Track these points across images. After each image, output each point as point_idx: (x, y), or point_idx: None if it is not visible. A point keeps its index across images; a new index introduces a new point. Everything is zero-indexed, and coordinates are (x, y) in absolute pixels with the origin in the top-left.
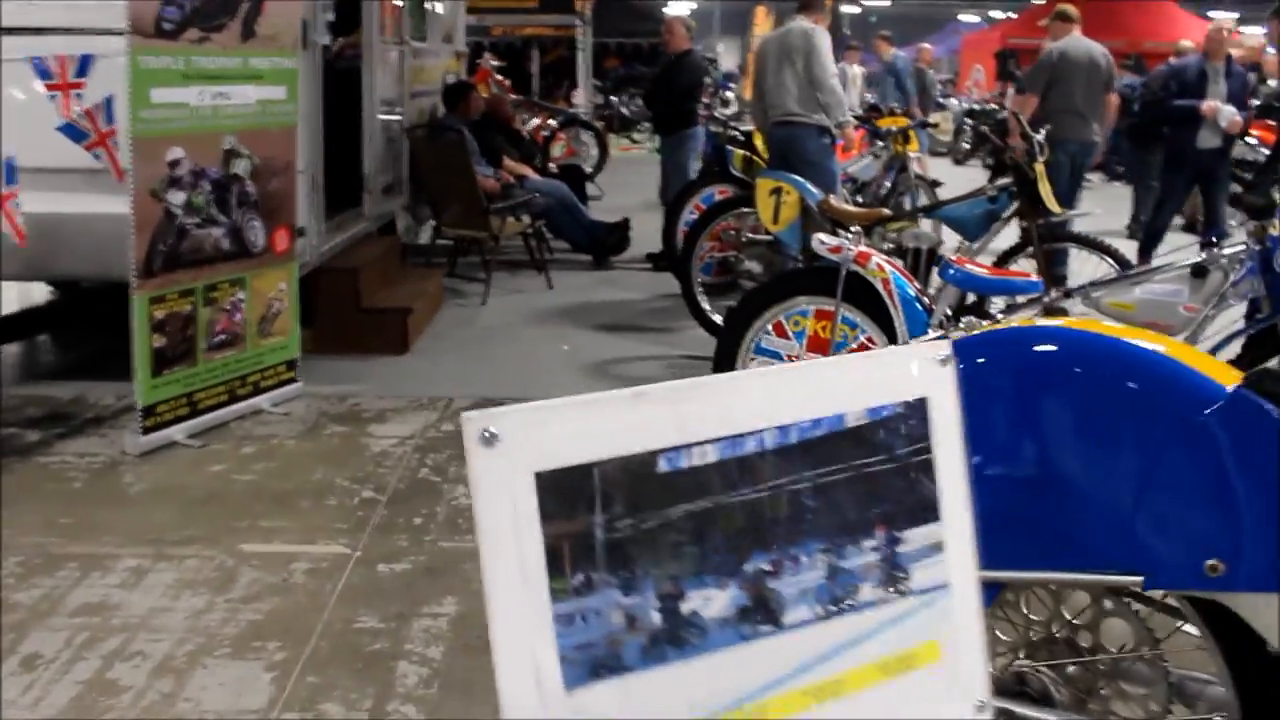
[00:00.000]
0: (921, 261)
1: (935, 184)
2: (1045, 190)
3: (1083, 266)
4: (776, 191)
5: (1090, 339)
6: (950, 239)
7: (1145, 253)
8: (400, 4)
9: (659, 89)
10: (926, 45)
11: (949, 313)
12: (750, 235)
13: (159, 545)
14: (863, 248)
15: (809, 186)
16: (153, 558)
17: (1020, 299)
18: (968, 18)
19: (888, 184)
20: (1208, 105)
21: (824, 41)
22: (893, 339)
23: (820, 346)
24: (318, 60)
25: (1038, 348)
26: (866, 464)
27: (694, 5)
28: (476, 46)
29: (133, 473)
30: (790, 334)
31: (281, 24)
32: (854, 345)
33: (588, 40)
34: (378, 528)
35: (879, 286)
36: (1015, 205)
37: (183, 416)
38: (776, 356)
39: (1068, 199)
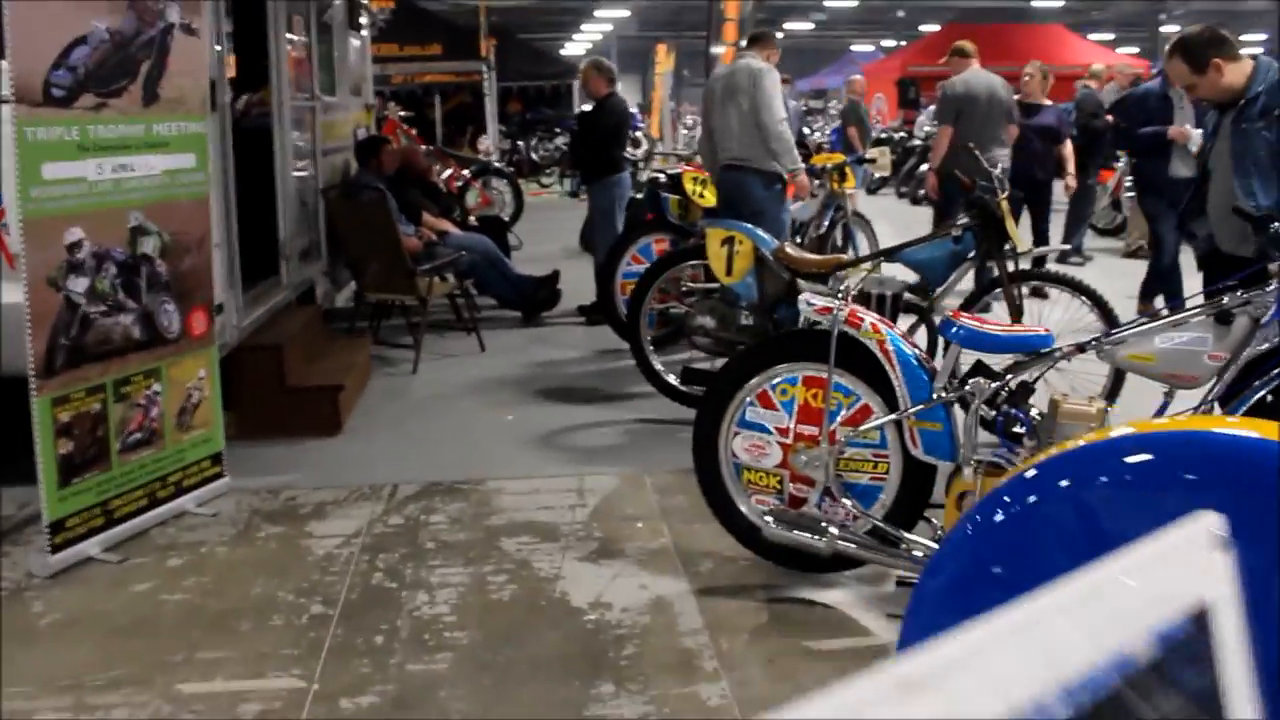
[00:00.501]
0: (887, 309)
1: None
2: (1011, 227)
3: (1050, 310)
4: (729, 241)
5: None
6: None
7: (1166, 294)
8: (307, 57)
9: (583, 135)
10: (858, 76)
11: (953, 375)
12: (691, 285)
13: (79, 692)
14: (855, 308)
15: (762, 235)
16: (72, 709)
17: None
18: (861, 47)
19: (825, 223)
20: (1176, 130)
21: (771, 82)
22: (891, 404)
23: (812, 417)
24: (227, 122)
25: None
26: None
27: (590, 44)
28: (379, 96)
29: (43, 600)
30: (778, 404)
31: (187, 85)
32: (848, 413)
33: (493, 85)
34: (334, 651)
35: (875, 349)
36: (982, 244)
37: (97, 528)
38: (763, 430)
39: None
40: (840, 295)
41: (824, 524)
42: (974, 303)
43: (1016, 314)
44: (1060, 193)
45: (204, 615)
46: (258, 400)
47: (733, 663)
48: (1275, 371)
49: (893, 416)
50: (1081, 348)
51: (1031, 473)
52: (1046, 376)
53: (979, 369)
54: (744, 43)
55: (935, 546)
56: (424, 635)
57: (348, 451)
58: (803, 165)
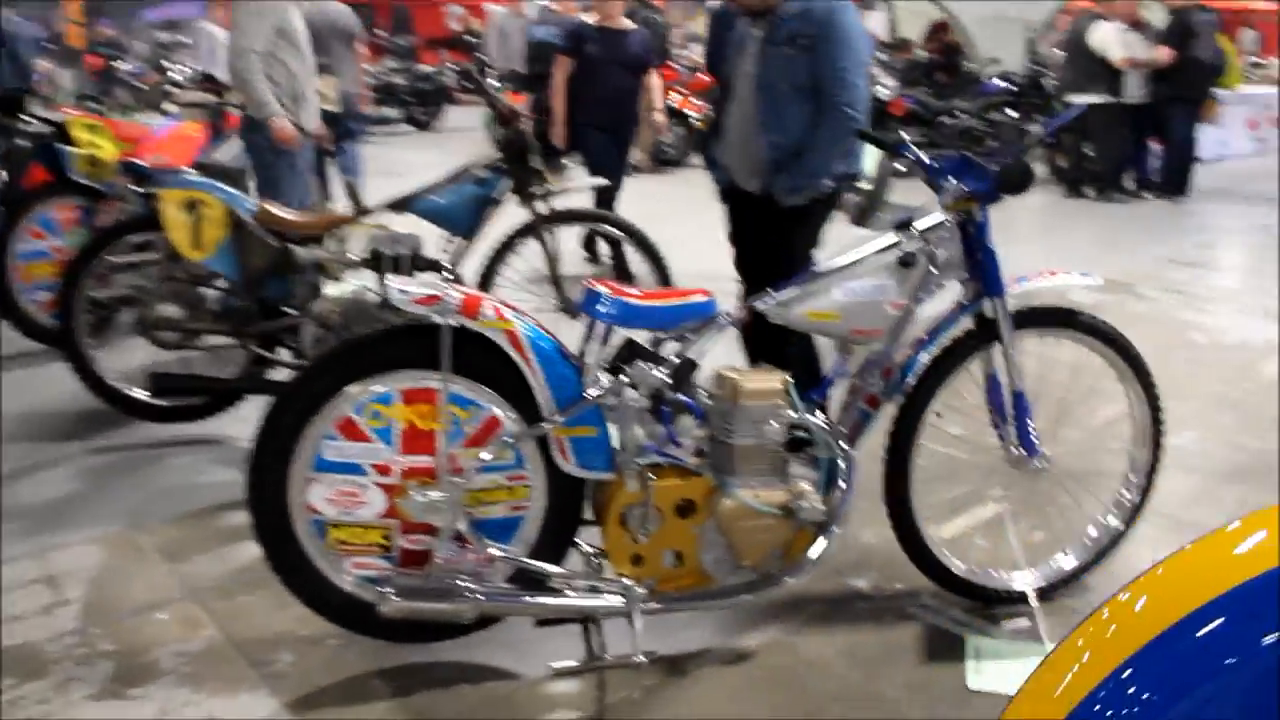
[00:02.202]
0: (406, 269)
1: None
2: (540, 162)
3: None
4: (192, 205)
5: None
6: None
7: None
8: None
9: None
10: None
11: (606, 364)
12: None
13: None
14: (472, 292)
15: (236, 194)
16: None
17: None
18: None
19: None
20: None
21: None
22: (526, 411)
23: (423, 443)
24: None
25: None
26: None
27: None
28: None
29: None
30: (370, 433)
31: None
32: (472, 431)
33: None
34: None
35: (504, 343)
36: (509, 184)
37: None
38: (354, 471)
39: None
40: (446, 276)
41: (460, 583)
42: (501, 255)
43: (553, 264)
44: None
45: None
46: None
47: None
48: (947, 322)
49: (534, 430)
50: (754, 309)
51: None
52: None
53: (632, 350)
54: None
55: (600, 580)
56: None
57: None
58: (277, 109)
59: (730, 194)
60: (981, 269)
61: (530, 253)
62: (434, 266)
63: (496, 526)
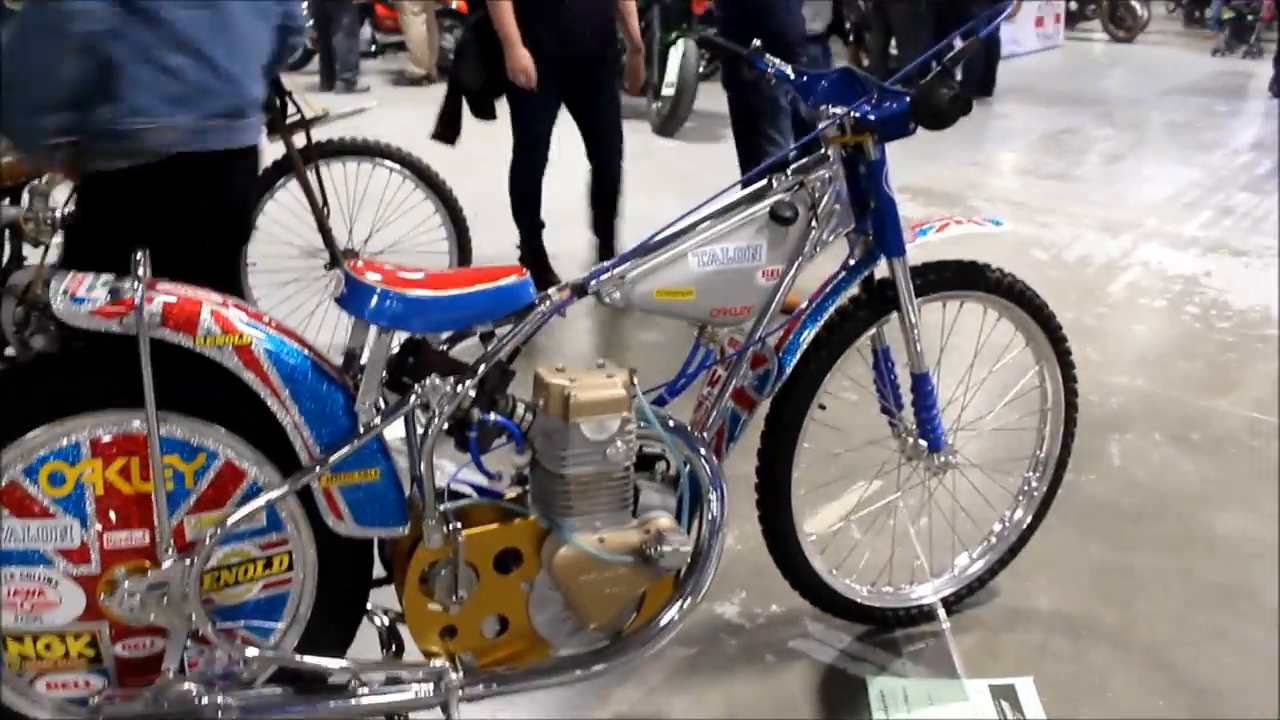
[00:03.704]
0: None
1: None
2: (295, 83)
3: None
4: None
5: None
6: None
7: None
8: None
9: None
10: None
11: (385, 379)
12: None
13: None
14: (184, 291)
15: None
16: None
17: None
18: None
19: None
20: None
21: None
22: (286, 461)
23: (132, 513)
24: None
25: None
26: None
27: None
28: None
29: None
30: (52, 506)
31: None
32: (202, 488)
33: None
34: None
35: (235, 365)
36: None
37: None
38: (34, 560)
39: None
40: (138, 274)
41: (203, 699)
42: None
43: (319, 212)
44: None
45: None
46: None
47: None
48: (834, 289)
49: (288, 485)
50: (580, 289)
51: None
52: None
53: (417, 358)
54: None
55: (402, 668)
56: None
57: None
58: None
59: None
60: (876, 221)
61: (292, 200)
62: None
63: (252, 610)
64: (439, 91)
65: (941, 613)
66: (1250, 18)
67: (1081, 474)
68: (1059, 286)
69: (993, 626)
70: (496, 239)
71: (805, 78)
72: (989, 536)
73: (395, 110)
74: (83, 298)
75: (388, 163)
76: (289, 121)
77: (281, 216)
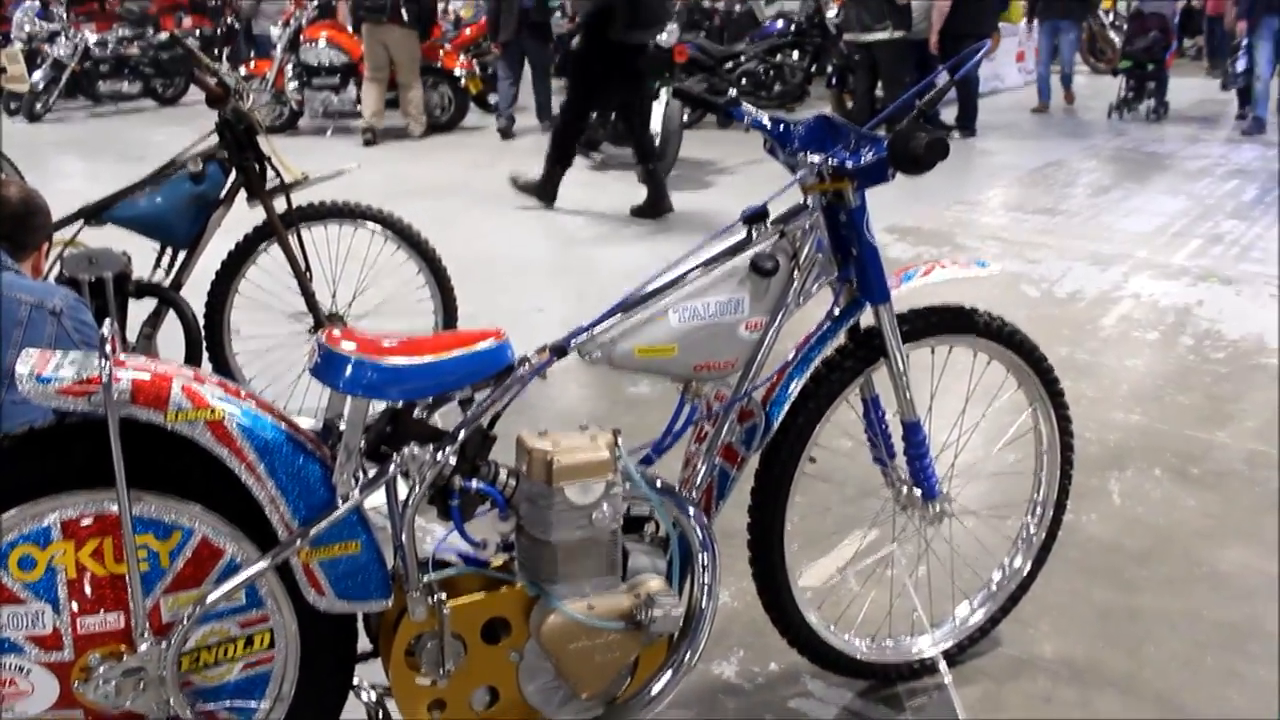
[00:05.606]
0: (111, 298)
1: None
2: (274, 147)
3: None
4: None
5: None
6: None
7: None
8: None
9: None
10: None
11: (364, 448)
12: None
13: None
14: (155, 367)
15: None
16: None
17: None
18: None
19: None
20: None
21: None
22: (264, 537)
23: (106, 596)
24: None
25: None
26: None
27: None
28: None
29: None
30: (22, 591)
31: None
32: (178, 567)
33: None
34: None
35: (208, 442)
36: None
37: None
38: (5, 649)
39: None
40: (104, 351)
41: None
42: (236, 269)
43: (302, 276)
44: None
45: None
46: None
47: None
48: (819, 340)
49: (266, 561)
50: (560, 350)
51: None
52: None
53: (396, 426)
54: None
55: None
56: None
57: None
58: None
59: None
60: (859, 268)
61: (274, 264)
62: (152, 291)
63: (233, 691)
64: (413, 147)
65: (943, 665)
66: (1150, 66)
67: (1082, 514)
68: (1051, 323)
69: (996, 677)
70: (480, 297)
71: (782, 126)
72: (989, 585)
73: (376, 168)
74: (49, 377)
75: (370, 224)
76: (269, 187)
77: (264, 282)
